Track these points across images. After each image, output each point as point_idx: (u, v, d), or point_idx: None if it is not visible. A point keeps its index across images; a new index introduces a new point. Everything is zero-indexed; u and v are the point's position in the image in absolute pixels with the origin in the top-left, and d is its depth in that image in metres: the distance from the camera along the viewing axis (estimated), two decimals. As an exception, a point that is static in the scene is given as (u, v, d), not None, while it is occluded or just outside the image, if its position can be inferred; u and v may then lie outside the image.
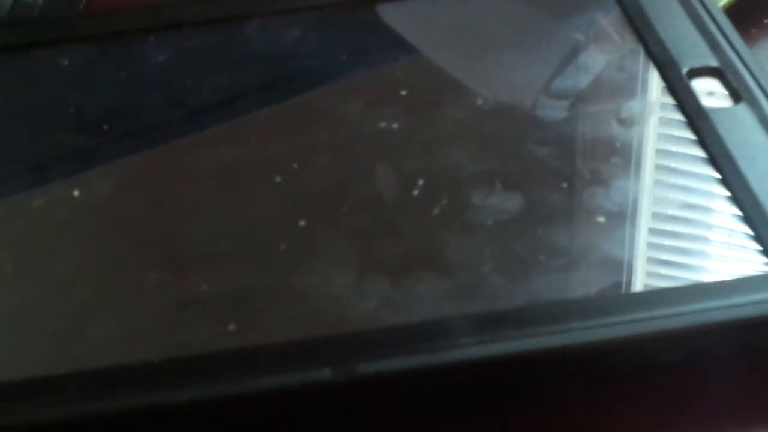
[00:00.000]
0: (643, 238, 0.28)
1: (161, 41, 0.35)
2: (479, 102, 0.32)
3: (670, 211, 0.29)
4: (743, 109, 0.31)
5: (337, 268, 0.27)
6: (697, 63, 0.32)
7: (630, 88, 0.33)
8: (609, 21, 0.35)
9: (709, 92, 0.32)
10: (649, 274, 0.27)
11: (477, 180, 0.30)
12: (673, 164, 0.30)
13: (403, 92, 0.33)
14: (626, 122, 0.31)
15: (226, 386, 0.24)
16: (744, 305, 0.25)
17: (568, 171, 0.30)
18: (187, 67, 0.35)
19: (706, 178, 0.29)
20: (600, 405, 0.26)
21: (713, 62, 0.32)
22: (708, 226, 0.29)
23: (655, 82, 0.33)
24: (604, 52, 0.34)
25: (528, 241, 0.28)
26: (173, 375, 0.25)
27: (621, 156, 0.30)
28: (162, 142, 0.32)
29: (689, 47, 0.33)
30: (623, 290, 0.27)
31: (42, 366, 0.25)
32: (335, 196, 0.30)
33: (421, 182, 0.30)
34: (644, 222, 0.29)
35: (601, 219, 0.28)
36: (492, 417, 0.26)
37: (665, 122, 0.31)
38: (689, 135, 0.30)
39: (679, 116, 0.31)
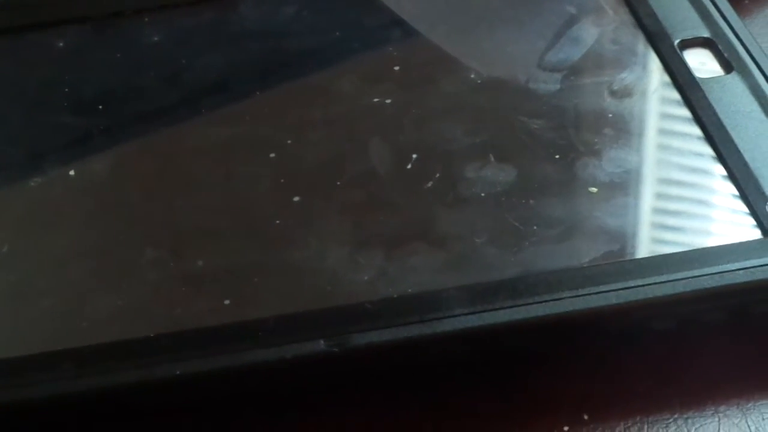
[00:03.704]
0: (634, 206, 0.28)
1: (156, 21, 0.35)
2: (473, 76, 0.32)
3: (662, 180, 0.29)
4: (734, 79, 0.31)
5: (332, 242, 0.28)
6: (689, 34, 0.33)
7: (622, 59, 0.33)
8: (601, -7, 0.35)
9: (701, 62, 0.32)
10: (641, 242, 0.28)
11: (471, 153, 0.30)
12: (666, 134, 0.31)
13: (397, 68, 0.33)
14: (619, 93, 0.31)
15: (222, 360, 0.24)
16: (735, 271, 0.25)
17: (560, 143, 0.30)
18: (182, 47, 0.35)
19: (698, 147, 0.30)
20: (594, 373, 0.26)
21: (705, 33, 0.33)
22: (699, 193, 0.29)
23: (647, 53, 0.33)
24: (597, 24, 0.34)
25: (520, 212, 0.28)
26: (169, 349, 0.25)
27: (613, 127, 0.30)
28: (158, 121, 0.32)
29: (681, 18, 0.33)
30: (615, 258, 0.27)
31: (39, 343, 0.25)
32: (329, 172, 0.30)
33: (414, 156, 0.30)
34: (636, 190, 0.29)
35: (594, 189, 0.29)
36: (486, 387, 0.26)
37: (657, 93, 0.31)
38: (681, 105, 0.31)
39: (671, 86, 0.31)
